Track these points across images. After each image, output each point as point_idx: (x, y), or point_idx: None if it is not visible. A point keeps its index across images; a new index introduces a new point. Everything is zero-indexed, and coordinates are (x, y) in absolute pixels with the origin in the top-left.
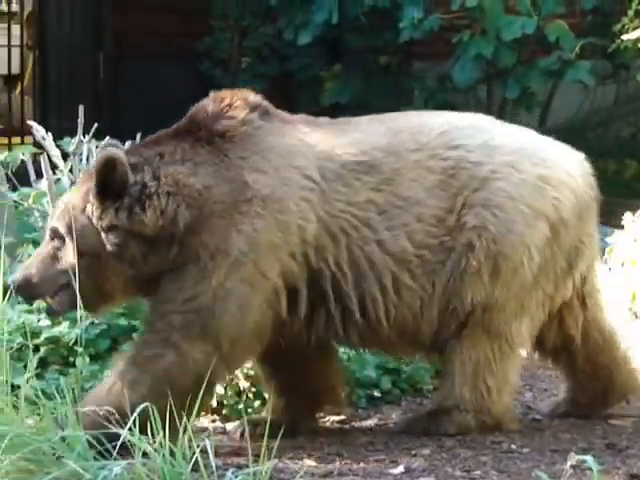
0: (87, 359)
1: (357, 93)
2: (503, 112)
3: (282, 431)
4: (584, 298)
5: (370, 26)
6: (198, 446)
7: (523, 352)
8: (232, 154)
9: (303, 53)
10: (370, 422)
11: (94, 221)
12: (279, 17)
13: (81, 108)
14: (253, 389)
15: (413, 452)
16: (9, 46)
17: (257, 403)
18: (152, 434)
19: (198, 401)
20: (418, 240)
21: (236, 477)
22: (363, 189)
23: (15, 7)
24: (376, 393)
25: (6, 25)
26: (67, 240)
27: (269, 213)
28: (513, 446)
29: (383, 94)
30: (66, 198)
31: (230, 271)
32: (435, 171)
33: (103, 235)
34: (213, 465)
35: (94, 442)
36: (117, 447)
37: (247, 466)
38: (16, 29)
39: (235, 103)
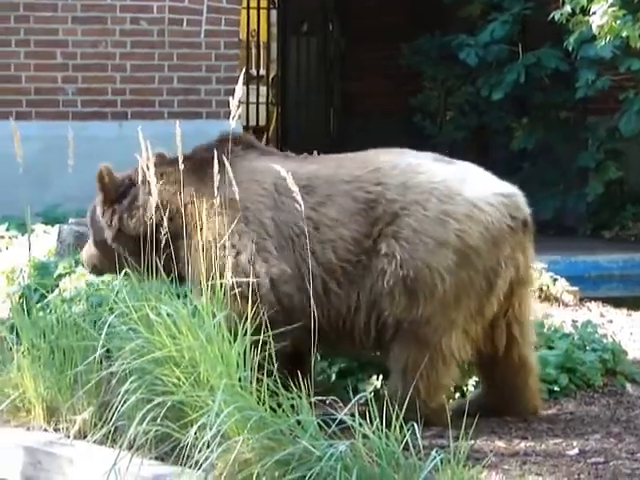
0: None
1: (540, 141)
2: None
3: (478, 415)
4: (514, 316)
5: (552, 85)
6: (408, 429)
7: (454, 361)
8: (213, 175)
9: (496, 108)
10: (550, 412)
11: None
12: (477, 78)
13: (315, 154)
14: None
15: (586, 437)
16: (257, 103)
17: (457, 395)
18: (370, 419)
19: None
20: (340, 254)
21: (439, 455)
22: (305, 206)
23: (262, 71)
24: (556, 388)
25: (255, 86)
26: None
27: (231, 211)
28: None
29: (562, 142)
30: None
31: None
32: (359, 201)
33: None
34: (420, 445)
35: (323, 425)
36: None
37: (448, 446)
38: (263, 89)
39: (226, 140)
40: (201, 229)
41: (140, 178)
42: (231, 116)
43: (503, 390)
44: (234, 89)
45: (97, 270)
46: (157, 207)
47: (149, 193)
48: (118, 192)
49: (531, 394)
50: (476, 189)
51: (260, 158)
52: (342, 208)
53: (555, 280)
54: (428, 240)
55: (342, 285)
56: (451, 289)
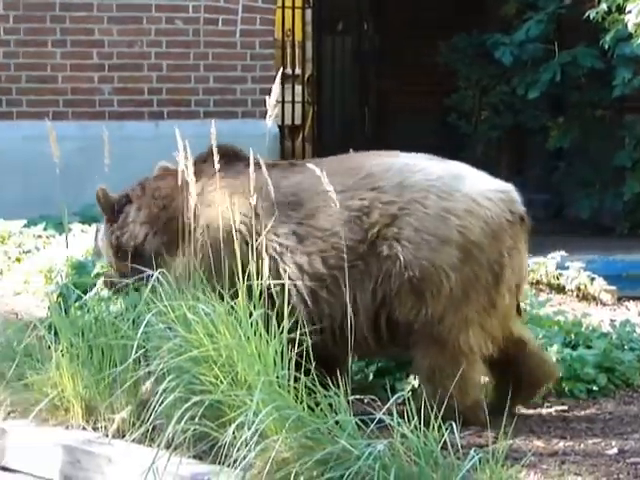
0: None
1: (576, 140)
2: None
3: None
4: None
5: (588, 84)
6: (446, 429)
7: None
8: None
9: (532, 107)
10: (589, 411)
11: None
12: (512, 77)
13: (351, 152)
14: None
15: (625, 437)
16: (293, 102)
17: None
18: (408, 418)
19: None
20: (331, 263)
21: (477, 455)
22: (289, 222)
23: (298, 71)
24: (594, 387)
25: (291, 85)
26: None
27: (208, 239)
28: None
29: (598, 141)
30: None
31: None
32: (352, 209)
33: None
34: (459, 444)
35: (361, 424)
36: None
37: (487, 445)
38: (298, 88)
39: (212, 152)
40: (180, 249)
41: (136, 194)
42: (268, 115)
43: (514, 371)
44: (270, 88)
45: (118, 290)
46: (145, 222)
47: (139, 209)
48: (114, 211)
49: (539, 359)
50: (473, 185)
51: (242, 173)
52: (333, 218)
53: (593, 279)
54: (430, 238)
55: (332, 292)
56: (457, 286)
